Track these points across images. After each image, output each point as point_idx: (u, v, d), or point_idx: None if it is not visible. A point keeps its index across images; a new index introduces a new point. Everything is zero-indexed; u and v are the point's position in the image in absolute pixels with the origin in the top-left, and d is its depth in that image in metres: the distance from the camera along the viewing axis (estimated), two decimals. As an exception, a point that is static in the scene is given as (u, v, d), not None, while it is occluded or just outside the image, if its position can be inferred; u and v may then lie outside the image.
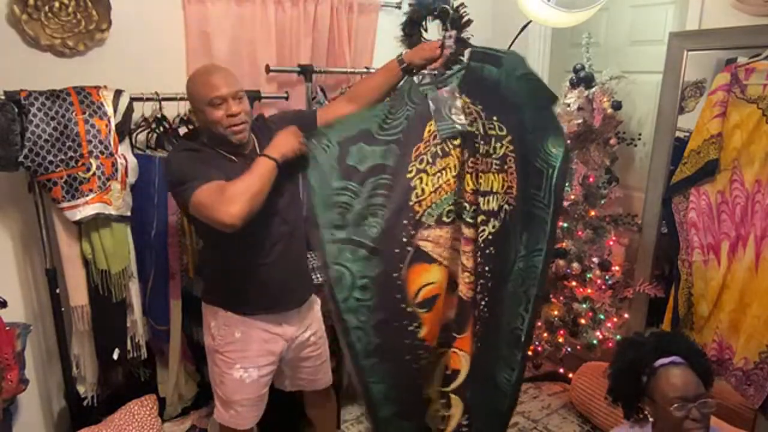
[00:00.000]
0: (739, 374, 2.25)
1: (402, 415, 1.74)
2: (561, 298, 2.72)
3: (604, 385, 1.66)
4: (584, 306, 2.63)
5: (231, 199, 1.48)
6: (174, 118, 2.15)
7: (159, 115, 2.09)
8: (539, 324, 2.74)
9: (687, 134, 2.39)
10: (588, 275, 2.64)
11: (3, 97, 1.75)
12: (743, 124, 2.20)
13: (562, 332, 2.70)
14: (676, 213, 2.43)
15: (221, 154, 1.68)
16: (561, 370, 2.91)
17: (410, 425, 1.78)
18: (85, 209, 1.85)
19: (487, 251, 1.65)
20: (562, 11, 2.48)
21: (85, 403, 2.10)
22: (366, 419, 1.69)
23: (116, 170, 1.89)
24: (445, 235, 1.63)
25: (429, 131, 1.63)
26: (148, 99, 2.03)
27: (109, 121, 1.88)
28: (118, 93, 1.92)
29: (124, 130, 1.94)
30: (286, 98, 2.38)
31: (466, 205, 1.61)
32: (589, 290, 2.64)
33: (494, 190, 1.65)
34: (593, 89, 2.55)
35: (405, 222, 1.60)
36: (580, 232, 2.65)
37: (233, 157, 1.68)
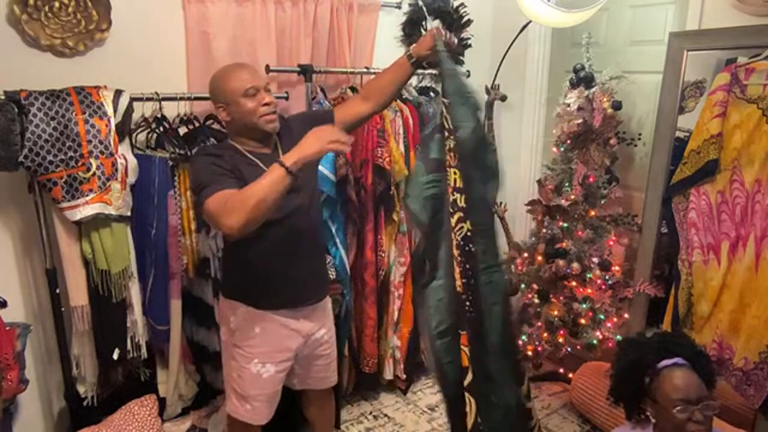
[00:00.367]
0: (739, 374, 2.25)
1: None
2: (561, 298, 2.71)
3: (605, 385, 1.66)
4: (584, 306, 2.63)
5: (231, 210, 1.49)
6: (174, 118, 2.15)
7: (159, 115, 2.09)
8: (539, 324, 2.74)
9: (687, 134, 2.39)
10: (588, 275, 2.64)
11: (3, 97, 1.75)
12: (743, 124, 2.20)
13: (562, 332, 2.70)
14: (676, 213, 2.43)
15: (244, 155, 1.72)
16: (561, 370, 2.91)
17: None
18: (85, 209, 1.85)
19: (466, 248, 1.68)
20: (562, 11, 2.48)
21: (85, 403, 2.10)
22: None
23: (116, 170, 1.89)
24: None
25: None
26: (148, 99, 2.03)
27: (109, 121, 1.88)
28: (118, 93, 1.92)
29: (124, 130, 1.94)
30: (286, 98, 2.38)
31: (451, 198, 1.70)
32: (589, 290, 2.64)
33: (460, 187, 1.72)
34: (593, 89, 2.55)
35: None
36: (580, 232, 2.65)
37: (255, 159, 1.71)
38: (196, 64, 2.27)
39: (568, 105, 2.59)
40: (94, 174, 1.85)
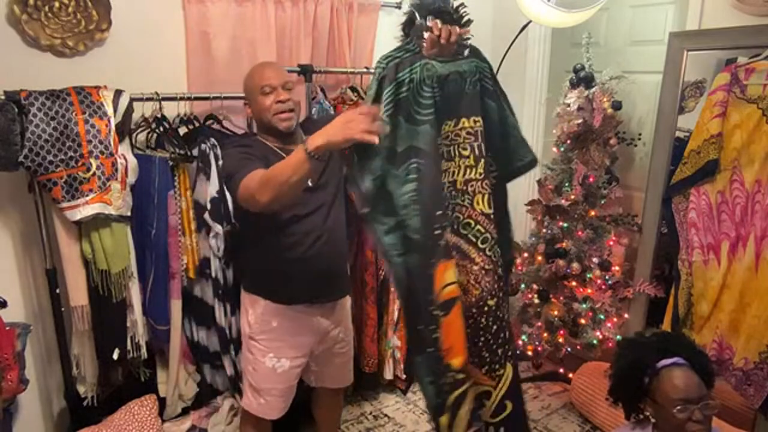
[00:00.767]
0: (739, 374, 2.25)
1: None
2: (561, 298, 2.71)
3: (605, 385, 1.65)
4: (584, 306, 2.63)
5: (261, 187, 1.50)
6: (174, 118, 2.15)
7: (159, 115, 2.09)
8: (539, 324, 2.74)
9: (687, 134, 2.39)
10: (588, 275, 2.64)
11: (3, 97, 1.75)
12: (743, 124, 2.20)
13: (562, 332, 2.70)
14: (676, 213, 2.43)
15: (271, 147, 1.76)
16: (561, 370, 2.91)
17: None
18: (85, 209, 1.85)
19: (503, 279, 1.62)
20: (562, 11, 2.48)
21: (85, 403, 2.10)
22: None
23: (116, 170, 1.89)
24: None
25: (444, 129, 1.57)
26: (148, 99, 2.03)
27: (109, 121, 1.88)
28: (118, 93, 1.92)
29: (124, 130, 1.94)
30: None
31: (478, 226, 1.58)
32: (589, 290, 2.64)
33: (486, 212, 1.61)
34: (593, 89, 2.55)
35: (438, 213, 1.51)
36: (580, 232, 2.65)
37: (281, 153, 1.72)
38: (196, 64, 2.27)
39: (568, 105, 2.59)
40: (94, 174, 1.85)
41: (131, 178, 1.96)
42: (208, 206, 2.06)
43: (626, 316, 2.67)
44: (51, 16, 1.92)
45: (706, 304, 2.36)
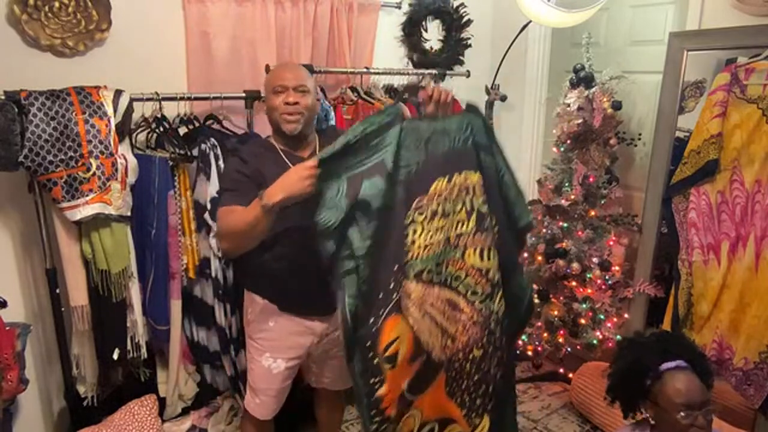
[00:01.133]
0: (739, 374, 2.25)
1: None
2: (561, 298, 2.71)
3: (604, 385, 1.65)
4: (584, 306, 2.63)
5: (222, 234, 1.68)
6: (174, 118, 2.14)
7: (159, 115, 2.08)
8: (539, 324, 2.74)
9: (687, 134, 2.39)
10: (588, 275, 2.64)
11: (3, 97, 1.74)
12: (743, 124, 2.20)
13: (562, 332, 2.70)
14: (676, 213, 2.43)
15: (278, 154, 1.76)
16: (561, 370, 2.91)
17: None
18: (85, 209, 1.84)
19: (494, 327, 1.67)
20: (562, 11, 2.48)
21: (85, 403, 2.10)
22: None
23: (116, 170, 1.89)
24: (419, 291, 1.58)
25: (436, 187, 1.58)
26: (148, 99, 2.03)
27: (109, 121, 1.87)
28: (118, 93, 1.92)
29: (124, 130, 1.94)
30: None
31: (468, 278, 1.62)
32: (589, 290, 2.64)
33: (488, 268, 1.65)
34: (593, 89, 2.55)
35: (395, 268, 1.55)
36: (580, 232, 2.65)
37: (287, 161, 1.73)
38: (196, 64, 2.27)
39: (568, 105, 2.59)
40: (94, 174, 1.85)
41: (131, 178, 1.96)
42: (208, 206, 2.05)
43: (626, 316, 2.67)
44: (51, 16, 1.92)
45: (706, 304, 2.36)
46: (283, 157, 1.76)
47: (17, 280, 2.06)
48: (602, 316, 2.64)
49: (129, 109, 1.94)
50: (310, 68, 2.36)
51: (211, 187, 2.05)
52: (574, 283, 2.67)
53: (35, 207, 1.90)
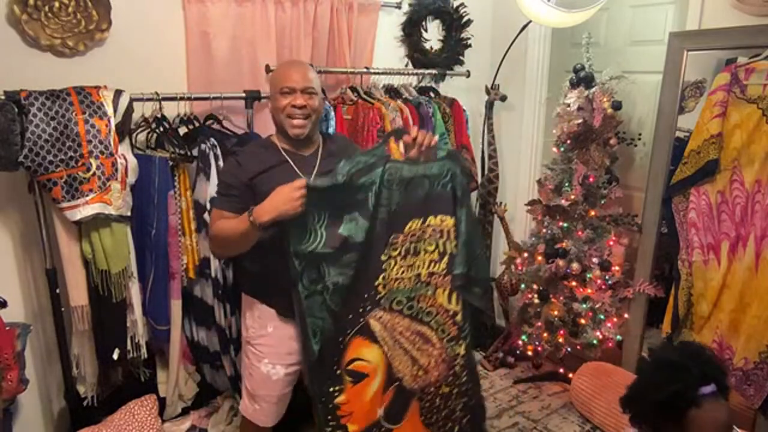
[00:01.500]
0: (739, 374, 2.26)
1: None
2: (561, 298, 2.71)
3: (604, 385, 1.62)
4: (584, 306, 2.63)
5: (211, 237, 1.73)
6: (174, 118, 2.15)
7: (159, 115, 2.09)
8: (539, 324, 2.74)
9: (687, 134, 2.39)
10: (588, 275, 2.64)
11: (3, 97, 1.74)
12: (743, 124, 2.20)
13: (562, 332, 2.70)
14: (676, 213, 2.43)
15: (280, 152, 1.76)
16: (561, 370, 2.91)
17: None
18: (85, 209, 1.84)
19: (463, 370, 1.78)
20: (562, 11, 2.48)
21: (85, 403, 2.10)
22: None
23: (116, 170, 1.89)
24: (387, 319, 1.72)
25: (411, 227, 1.70)
26: (148, 99, 2.03)
27: (109, 121, 1.87)
28: (118, 93, 1.92)
29: (124, 130, 1.94)
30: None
31: (438, 316, 1.74)
32: (589, 290, 2.64)
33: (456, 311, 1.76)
34: (593, 89, 2.55)
35: (366, 296, 1.69)
36: (580, 232, 2.65)
37: (289, 159, 1.75)
38: (196, 64, 2.27)
39: (568, 105, 2.59)
40: (94, 174, 1.85)
41: (131, 178, 1.96)
42: (208, 206, 2.06)
43: (626, 316, 2.67)
44: (51, 16, 1.92)
45: (706, 304, 2.36)
46: (285, 156, 1.76)
47: (17, 280, 2.06)
48: (602, 316, 2.64)
49: (129, 109, 1.94)
50: (310, 68, 2.37)
51: (211, 187, 2.05)
52: (574, 283, 2.67)
53: (35, 207, 1.90)
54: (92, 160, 1.84)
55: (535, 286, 2.78)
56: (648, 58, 2.66)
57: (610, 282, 2.65)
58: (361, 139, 2.44)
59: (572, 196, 2.62)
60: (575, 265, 2.61)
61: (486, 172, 3.07)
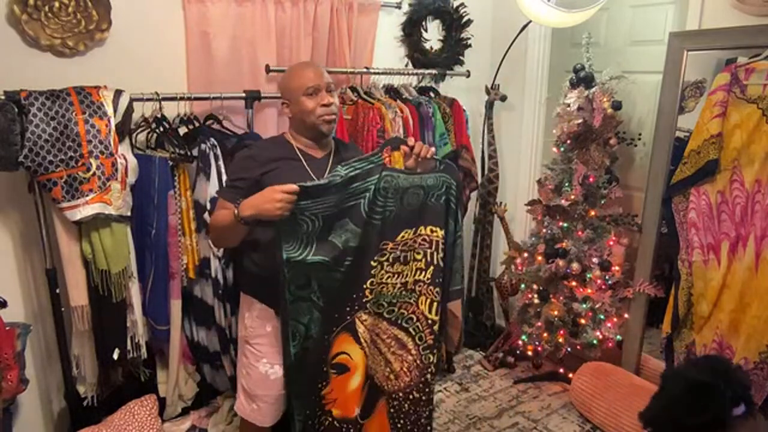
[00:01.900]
0: (739, 374, 2.26)
1: None
2: (561, 298, 2.71)
3: (604, 385, 1.61)
4: (584, 306, 2.63)
5: (211, 230, 1.80)
6: (174, 118, 2.15)
7: (159, 115, 2.09)
8: (539, 324, 2.74)
9: (687, 134, 2.39)
10: (588, 275, 2.64)
11: (3, 97, 1.74)
12: (743, 124, 2.20)
13: (562, 332, 2.70)
14: (676, 213, 2.43)
15: (293, 150, 1.77)
16: (561, 370, 2.91)
17: None
18: (85, 209, 1.84)
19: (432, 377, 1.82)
20: (562, 11, 2.48)
21: (85, 403, 2.10)
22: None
23: (116, 170, 1.89)
24: (373, 323, 1.78)
25: (403, 237, 1.74)
26: (148, 99, 2.03)
27: (109, 121, 1.87)
28: (118, 93, 1.92)
29: (124, 130, 1.94)
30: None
31: (418, 323, 1.78)
32: (589, 290, 2.64)
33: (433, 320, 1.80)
34: (593, 89, 2.55)
35: (354, 296, 1.75)
36: (580, 232, 2.65)
37: (302, 158, 1.77)
38: (196, 64, 2.27)
39: (568, 105, 2.59)
40: (94, 174, 1.85)
41: (131, 178, 1.96)
42: (208, 206, 2.06)
43: (626, 316, 2.67)
44: (51, 16, 1.92)
45: (706, 304, 2.36)
46: (299, 155, 1.77)
47: (17, 280, 2.06)
48: (602, 316, 2.64)
49: (129, 109, 1.94)
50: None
51: (211, 187, 2.05)
52: (574, 283, 2.67)
53: (35, 207, 1.90)
54: (92, 160, 1.84)
55: (535, 286, 2.78)
56: (648, 58, 2.66)
57: (610, 282, 2.65)
58: (361, 139, 2.44)
59: (572, 196, 2.62)
60: (575, 265, 2.61)
61: (486, 172, 3.07)
